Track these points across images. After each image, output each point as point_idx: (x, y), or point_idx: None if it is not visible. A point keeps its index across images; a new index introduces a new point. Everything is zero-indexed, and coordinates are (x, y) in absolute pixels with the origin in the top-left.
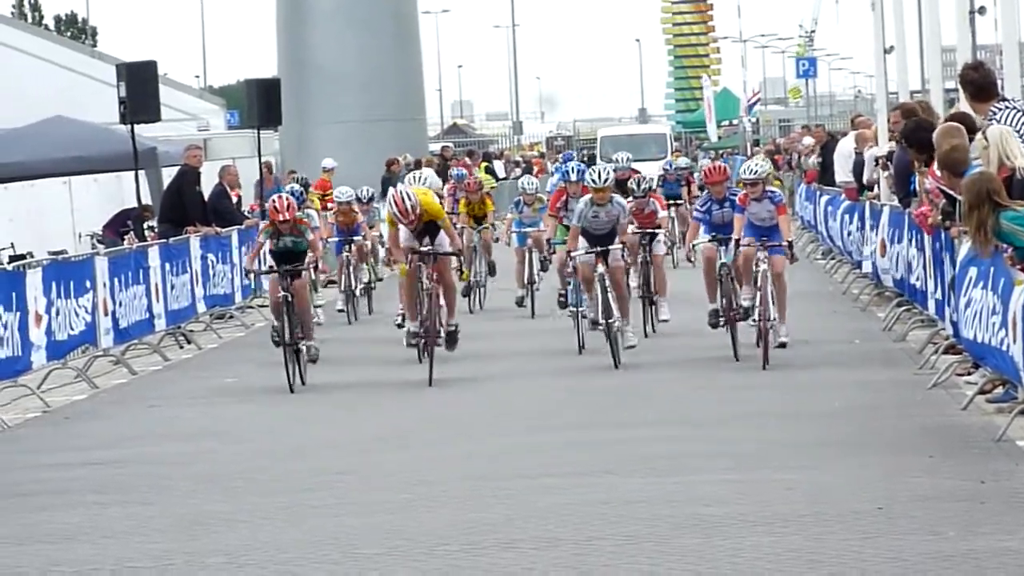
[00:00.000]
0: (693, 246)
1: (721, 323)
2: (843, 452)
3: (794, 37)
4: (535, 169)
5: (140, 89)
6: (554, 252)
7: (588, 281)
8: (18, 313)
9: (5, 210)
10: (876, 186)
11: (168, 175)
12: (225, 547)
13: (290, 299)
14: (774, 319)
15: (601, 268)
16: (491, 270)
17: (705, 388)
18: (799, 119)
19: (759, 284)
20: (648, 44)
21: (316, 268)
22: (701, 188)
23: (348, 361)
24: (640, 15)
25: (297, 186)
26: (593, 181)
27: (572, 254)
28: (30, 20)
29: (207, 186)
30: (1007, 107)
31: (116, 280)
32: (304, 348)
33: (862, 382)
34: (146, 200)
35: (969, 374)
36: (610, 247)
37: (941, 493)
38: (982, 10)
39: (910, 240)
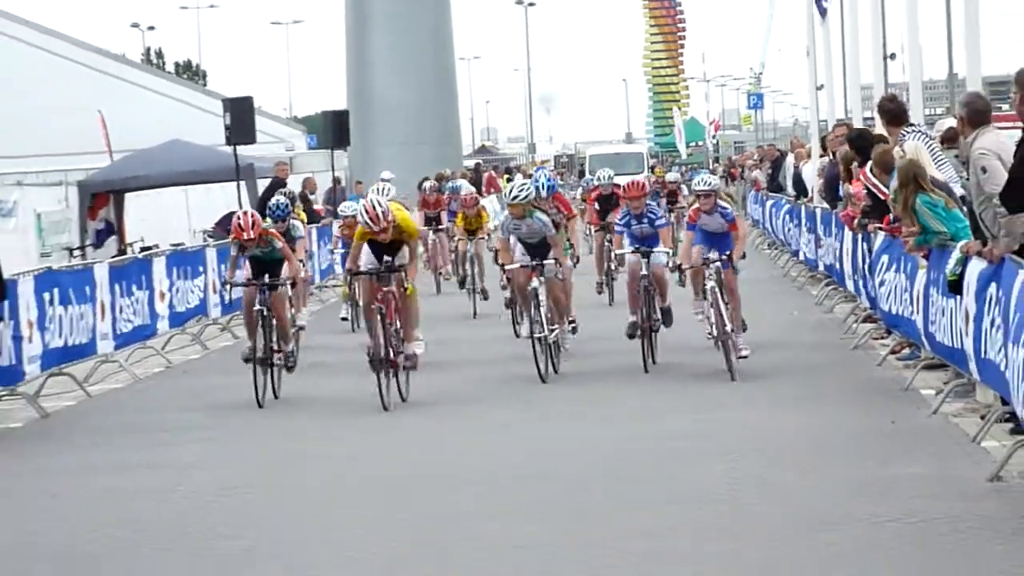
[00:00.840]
0: (618, 255)
1: (638, 335)
2: (784, 401)
3: (746, 77)
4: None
5: (240, 118)
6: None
7: (522, 290)
8: (147, 291)
9: (137, 212)
10: (811, 192)
11: (261, 185)
12: (298, 480)
13: (265, 313)
14: (732, 330)
15: (535, 282)
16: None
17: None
18: (750, 142)
19: (710, 300)
20: (632, 82)
21: (293, 284)
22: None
23: (335, 370)
24: (626, 60)
25: (283, 199)
26: (507, 194)
27: (506, 266)
28: (155, 65)
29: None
30: (913, 130)
31: (222, 266)
32: (280, 360)
33: (799, 344)
34: (245, 205)
35: (883, 339)
36: (544, 262)
37: (862, 431)
38: (893, 56)
39: (836, 235)
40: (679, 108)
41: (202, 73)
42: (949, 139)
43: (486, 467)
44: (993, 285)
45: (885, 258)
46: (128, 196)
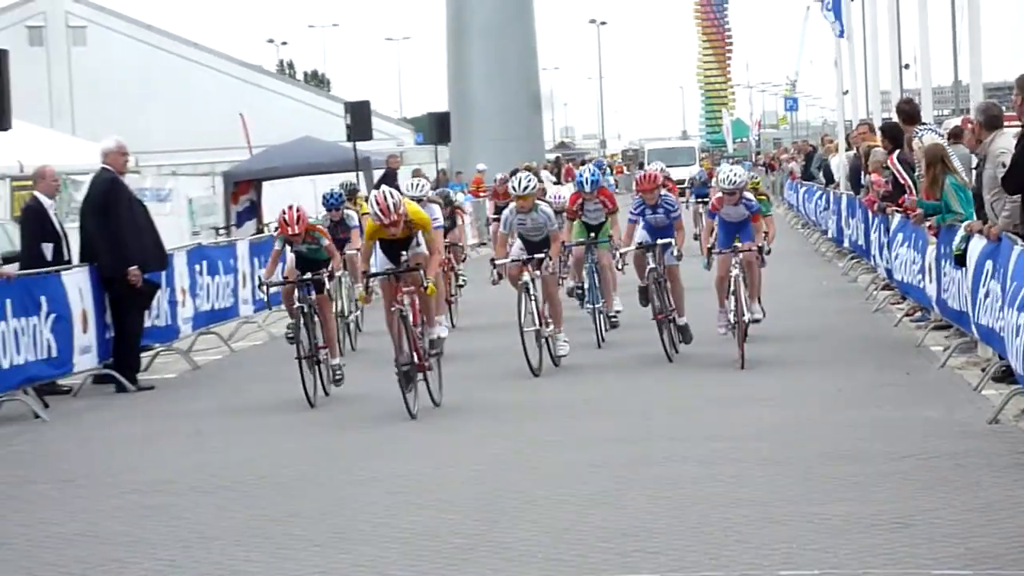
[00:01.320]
0: (622, 254)
1: (653, 313)
2: (813, 355)
3: (783, 84)
4: (614, 171)
5: (359, 119)
6: (570, 252)
7: (514, 283)
8: (281, 264)
9: (272, 200)
10: (838, 180)
11: (376, 175)
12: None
13: (305, 310)
14: (751, 318)
15: (526, 276)
16: None
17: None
18: (787, 138)
19: (732, 289)
20: (687, 88)
21: (330, 277)
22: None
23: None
24: (682, 69)
25: (339, 188)
26: (514, 188)
27: (497, 261)
28: (287, 74)
29: (402, 181)
30: (925, 128)
31: (255, 260)
32: (325, 365)
33: (828, 308)
34: (363, 192)
35: (898, 303)
36: (537, 255)
37: (880, 381)
38: (907, 66)
39: (859, 217)
40: (727, 110)
41: (327, 81)
42: (954, 135)
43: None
44: (990, 261)
45: (900, 236)
46: (265, 184)
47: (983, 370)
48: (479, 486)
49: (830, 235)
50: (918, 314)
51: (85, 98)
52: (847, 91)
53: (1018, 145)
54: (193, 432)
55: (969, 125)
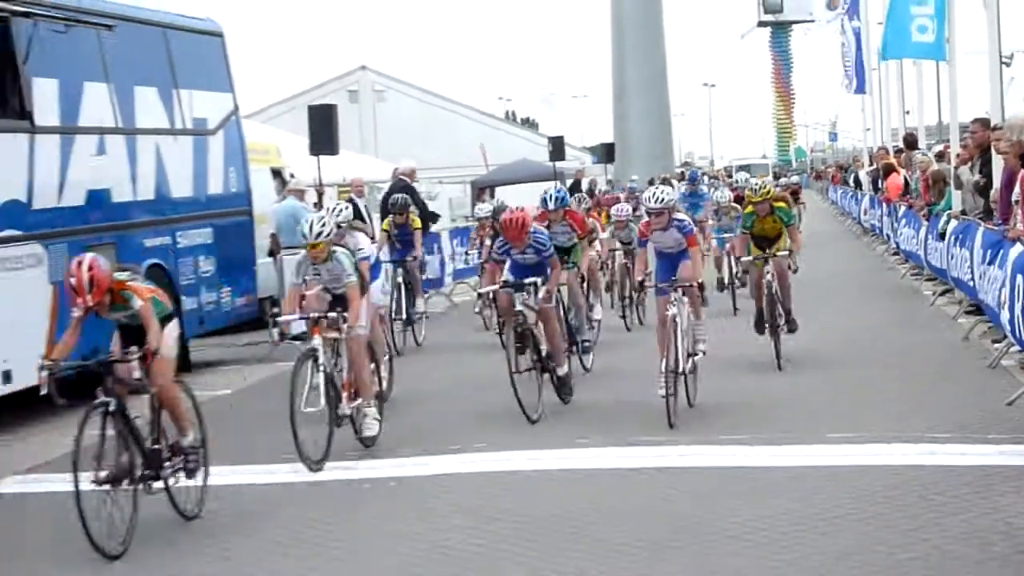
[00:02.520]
0: (481, 295)
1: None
2: (848, 294)
3: (827, 123)
4: (710, 177)
5: (557, 147)
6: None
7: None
8: None
9: (502, 199)
10: (864, 186)
11: (568, 182)
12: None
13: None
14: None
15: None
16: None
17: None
18: (829, 158)
19: (667, 336)
20: (766, 126)
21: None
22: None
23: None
24: (763, 113)
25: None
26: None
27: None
28: (511, 119)
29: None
30: (920, 152)
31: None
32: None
33: (855, 267)
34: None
35: (902, 264)
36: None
37: (891, 312)
38: (908, 112)
39: (877, 208)
40: (792, 140)
41: (535, 123)
42: (939, 156)
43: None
44: (960, 236)
45: (903, 220)
46: (497, 189)
47: (959, 305)
48: None
49: (857, 221)
50: (915, 271)
51: (384, 136)
52: (869, 128)
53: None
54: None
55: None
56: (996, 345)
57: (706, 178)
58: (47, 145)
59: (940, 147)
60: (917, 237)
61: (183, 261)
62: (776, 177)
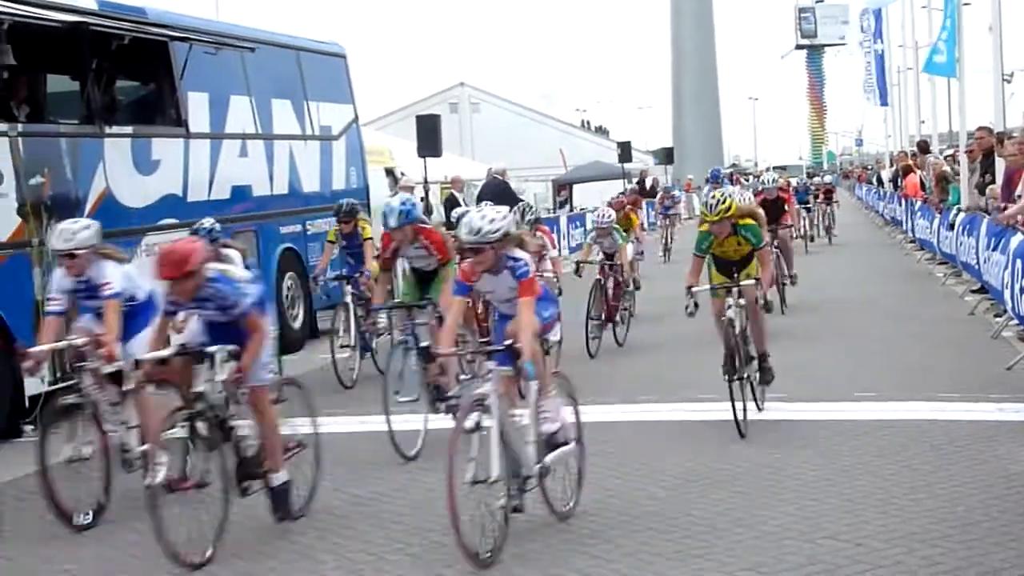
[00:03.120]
0: (137, 362)
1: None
2: (866, 278)
3: (854, 130)
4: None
5: (625, 150)
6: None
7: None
8: (580, 228)
9: (579, 194)
10: (885, 183)
11: (634, 180)
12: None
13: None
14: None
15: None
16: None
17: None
18: (856, 160)
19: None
20: (802, 133)
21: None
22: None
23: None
24: (799, 123)
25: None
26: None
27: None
28: (585, 127)
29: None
30: (932, 156)
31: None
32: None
33: (877, 254)
34: (620, 190)
35: (918, 250)
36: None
37: (907, 292)
38: (923, 121)
39: (896, 203)
40: (824, 145)
41: (607, 130)
42: (948, 158)
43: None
44: (967, 226)
45: (919, 213)
46: (575, 187)
47: (966, 285)
48: None
49: (880, 213)
50: (929, 256)
51: (479, 141)
52: (890, 135)
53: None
54: None
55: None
56: (997, 319)
57: (750, 178)
58: (199, 148)
59: (951, 151)
60: (931, 228)
61: (312, 245)
62: (810, 176)
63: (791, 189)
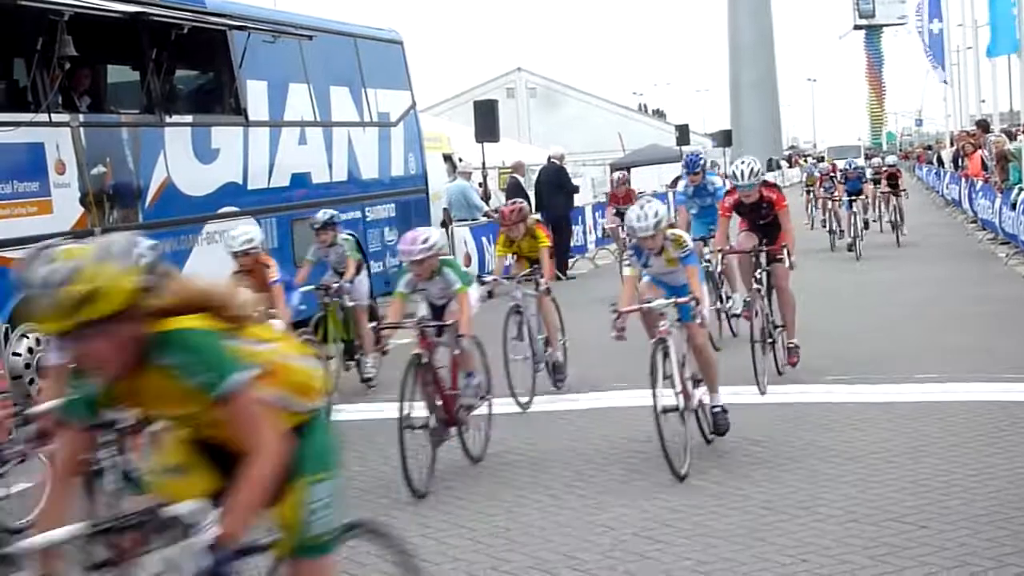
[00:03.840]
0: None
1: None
2: (931, 251)
3: (914, 111)
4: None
5: (682, 133)
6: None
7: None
8: None
9: (637, 178)
10: (946, 163)
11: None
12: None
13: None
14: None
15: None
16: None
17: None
18: (916, 141)
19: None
20: (861, 113)
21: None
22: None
23: None
24: (859, 104)
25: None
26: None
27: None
28: (643, 111)
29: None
30: (992, 134)
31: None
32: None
33: (942, 233)
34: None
35: (981, 231)
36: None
37: (970, 273)
38: (984, 100)
39: (957, 183)
40: (883, 126)
41: (664, 114)
42: (1010, 136)
43: None
44: None
45: (980, 193)
46: (632, 170)
47: None
48: None
49: (940, 194)
50: (991, 236)
51: (537, 126)
52: (949, 115)
53: None
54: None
55: None
56: None
57: (808, 159)
58: (258, 136)
59: (1013, 130)
60: (993, 207)
61: (371, 232)
62: (867, 157)
63: (837, 173)
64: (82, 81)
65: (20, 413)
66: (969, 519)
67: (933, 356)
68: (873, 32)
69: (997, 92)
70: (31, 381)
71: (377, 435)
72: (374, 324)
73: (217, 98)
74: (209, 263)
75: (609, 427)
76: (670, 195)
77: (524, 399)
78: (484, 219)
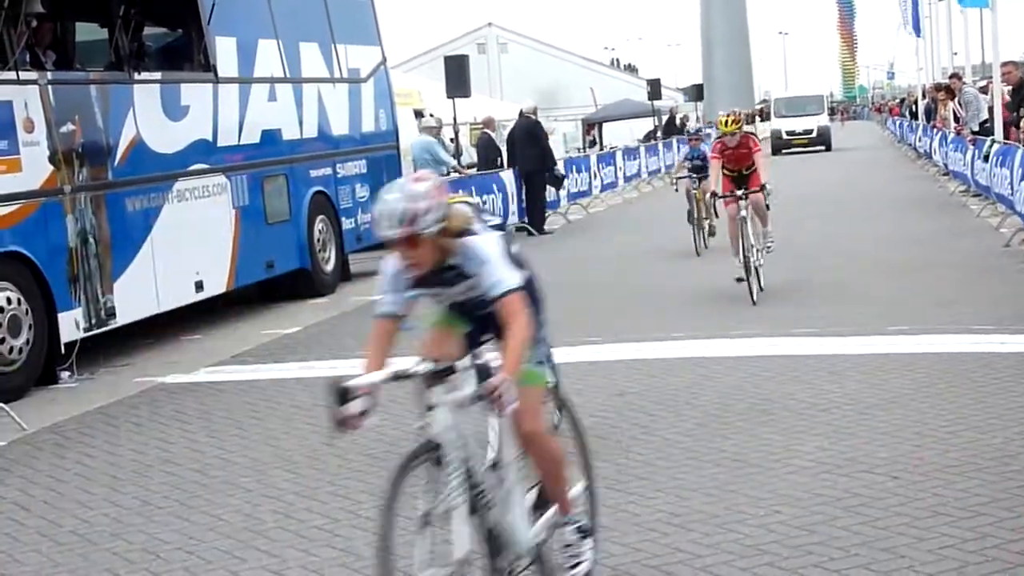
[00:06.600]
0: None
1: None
2: (901, 202)
3: (886, 64)
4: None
5: (654, 88)
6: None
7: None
8: (612, 166)
9: (609, 133)
10: (919, 116)
11: (664, 119)
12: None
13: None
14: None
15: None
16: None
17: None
18: (888, 94)
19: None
20: (833, 67)
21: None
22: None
23: None
24: (830, 56)
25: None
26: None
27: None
28: (614, 65)
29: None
30: (966, 85)
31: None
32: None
33: (912, 185)
34: (650, 127)
35: (951, 182)
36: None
37: (940, 225)
38: (956, 53)
39: (929, 135)
40: (855, 79)
41: (636, 68)
42: (983, 90)
43: None
44: (999, 158)
45: (951, 144)
46: (605, 125)
47: (1000, 217)
48: None
49: (912, 146)
50: (963, 188)
51: (508, 81)
52: (921, 68)
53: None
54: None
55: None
56: None
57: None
58: (228, 93)
59: (983, 83)
60: (964, 159)
61: (342, 188)
62: (833, 112)
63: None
64: (47, 37)
65: None
66: (942, 469)
67: (905, 308)
68: None
69: (969, 45)
70: (1, 340)
71: None
72: None
73: (186, 55)
74: (179, 220)
75: (586, 381)
76: (642, 149)
77: None
78: (455, 174)
